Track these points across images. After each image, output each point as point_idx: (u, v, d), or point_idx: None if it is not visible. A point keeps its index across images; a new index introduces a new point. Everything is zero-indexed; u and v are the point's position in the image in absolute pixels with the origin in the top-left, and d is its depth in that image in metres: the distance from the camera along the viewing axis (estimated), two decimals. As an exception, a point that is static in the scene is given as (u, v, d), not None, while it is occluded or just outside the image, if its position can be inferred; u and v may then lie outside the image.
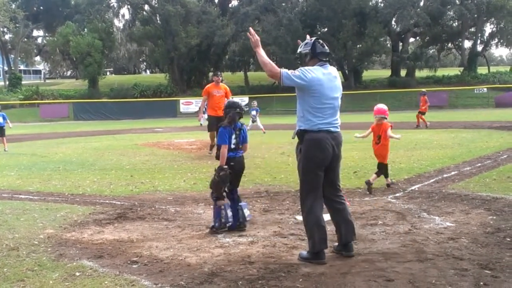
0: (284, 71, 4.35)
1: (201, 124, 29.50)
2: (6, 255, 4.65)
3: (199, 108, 12.65)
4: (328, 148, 4.34)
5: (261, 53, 4.42)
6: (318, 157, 4.35)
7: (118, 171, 10.37)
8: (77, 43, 48.58)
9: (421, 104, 20.68)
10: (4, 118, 16.23)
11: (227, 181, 5.44)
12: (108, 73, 79.93)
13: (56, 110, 44.11)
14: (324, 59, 4.48)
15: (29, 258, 4.56)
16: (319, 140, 4.34)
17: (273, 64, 4.39)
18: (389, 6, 46.94)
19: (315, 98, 4.34)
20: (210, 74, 60.50)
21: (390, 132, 7.69)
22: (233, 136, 5.53)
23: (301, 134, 4.45)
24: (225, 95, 12.02)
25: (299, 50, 4.63)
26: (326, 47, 4.54)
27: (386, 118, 7.84)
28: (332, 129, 4.40)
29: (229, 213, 5.38)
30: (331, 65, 4.59)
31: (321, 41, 4.55)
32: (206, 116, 34.71)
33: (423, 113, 20.45)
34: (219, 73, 13.14)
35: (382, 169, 7.77)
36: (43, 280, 3.98)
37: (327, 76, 4.41)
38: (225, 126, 5.56)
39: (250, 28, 4.64)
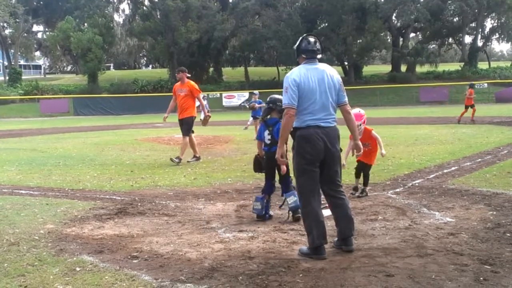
0: (286, 104, 4.36)
1: (200, 120, 29.57)
2: (6, 250, 4.65)
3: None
4: (318, 143, 4.32)
5: (283, 133, 4.47)
6: (309, 153, 4.34)
7: (118, 166, 10.37)
8: (78, 39, 48.53)
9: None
10: None
11: (256, 166, 5.91)
12: (112, 67, 79.81)
13: (56, 105, 44.12)
14: (308, 57, 4.45)
15: (29, 253, 4.56)
16: (308, 135, 4.34)
17: (284, 128, 4.40)
18: (390, 1, 46.90)
19: (301, 98, 4.34)
20: (211, 69, 60.61)
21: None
22: (266, 132, 5.65)
23: (293, 132, 4.47)
24: (190, 94, 10.54)
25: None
26: (316, 45, 4.48)
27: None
28: (322, 124, 4.36)
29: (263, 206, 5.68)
30: (328, 61, 4.57)
31: (311, 39, 4.50)
32: (202, 114, 33.78)
33: (467, 107, 20.00)
34: (183, 68, 11.24)
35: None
36: (43, 275, 3.98)
37: (311, 72, 4.38)
38: (261, 121, 5.83)
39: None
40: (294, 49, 4.57)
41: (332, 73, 4.48)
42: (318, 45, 4.50)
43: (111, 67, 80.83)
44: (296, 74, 4.39)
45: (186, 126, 10.58)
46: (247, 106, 18.68)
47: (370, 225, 5.30)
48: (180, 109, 10.59)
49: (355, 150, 4.84)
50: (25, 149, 14.39)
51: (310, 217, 4.37)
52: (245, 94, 44.48)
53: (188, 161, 10.55)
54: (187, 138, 10.59)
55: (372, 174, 8.39)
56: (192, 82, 10.80)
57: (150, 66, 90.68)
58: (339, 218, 4.48)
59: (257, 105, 16.67)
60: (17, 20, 59.24)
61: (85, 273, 4.01)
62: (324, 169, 4.43)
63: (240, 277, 3.84)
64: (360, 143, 4.74)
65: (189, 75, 10.89)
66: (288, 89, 4.35)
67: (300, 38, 4.57)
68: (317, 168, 4.40)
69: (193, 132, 10.74)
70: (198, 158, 10.72)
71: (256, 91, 18.85)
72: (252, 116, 17.42)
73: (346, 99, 4.55)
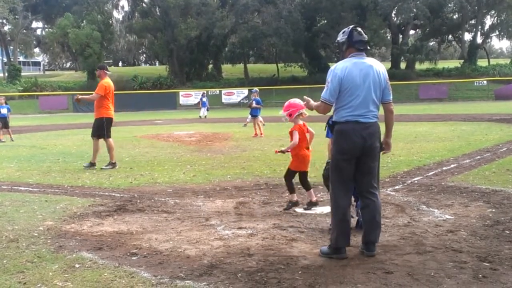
0: (323, 99, 4.30)
1: (200, 117, 29.64)
2: (5, 247, 4.65)
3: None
4: (355, 139, 4.19)
5: (313, 105, 4.60)
6: (344, 148, 4.23)
7: (118, 163, 10.35)
8: (76, 34, 48.47)
9: None
10: (8, 110, 17.06)
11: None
12: (120, 63, 79.49)
13: (55, 102, 44.12)
14: (361, 48, 4.33)
15: (28, 250, 4.56)
16: (345, 131, 4.23)
17: (318, 104, 4.44)
18: (389, -1, 46.83)
19: (343, 93, 4.23)
20: (210, 66, 60.55)
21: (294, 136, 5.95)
22: None
23: (332, 126, 4.40)
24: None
25: (337, 39, 4.50)
26: (364, 35, 4.37)
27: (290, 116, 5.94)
28: (361, 120, 4.22)
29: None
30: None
31: (359, 29, 4.37)
32: (204, 110, 33.38)
33: None
34: (101, 65, 10.68)
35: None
36: (42, 272, 3.98)
37: (357, 67, 4.24)
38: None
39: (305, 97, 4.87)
40: (341, 42, 4.39)
41: (380, 69, 4.34)
42: (366, 36, 4.40)
43: (120, 63, 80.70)
44: (341, 68, 4.24)
45: (95, 128, 10.11)
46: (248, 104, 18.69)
47: (369, 222, 5.28)
48: (95, 107, 10.12)
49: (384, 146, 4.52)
50: (25, 146, 14.39)
51: (337, 216, 4.28)
52: (245, 91, 44.40)
53: (102, 168, 9.76)
54: (96, 140, 10.10)
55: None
56: (106, 81, 9.95)
57: (157, 63, 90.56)
58: (365, 221, 4.34)
59: (254, 104, 16.59)
60: (16, 16, 59.15)
61: (84, 270, 4.01)
62: (360, 164, 4.28)
63: (239, 274, 3.84)
64: (390, 141, 4.59)
65: (109, 73, 10.12)
66: (330, 84, 4.24)
67: (348, 29, 4.38)
68: (352, 165, 4.27)
69: (109, 136, 10.07)
70: (113, 165, 9.85)
71: (255, 89, 18.76)
72: (250, 114, 17.36)
73: (391, 97, 4.46)
